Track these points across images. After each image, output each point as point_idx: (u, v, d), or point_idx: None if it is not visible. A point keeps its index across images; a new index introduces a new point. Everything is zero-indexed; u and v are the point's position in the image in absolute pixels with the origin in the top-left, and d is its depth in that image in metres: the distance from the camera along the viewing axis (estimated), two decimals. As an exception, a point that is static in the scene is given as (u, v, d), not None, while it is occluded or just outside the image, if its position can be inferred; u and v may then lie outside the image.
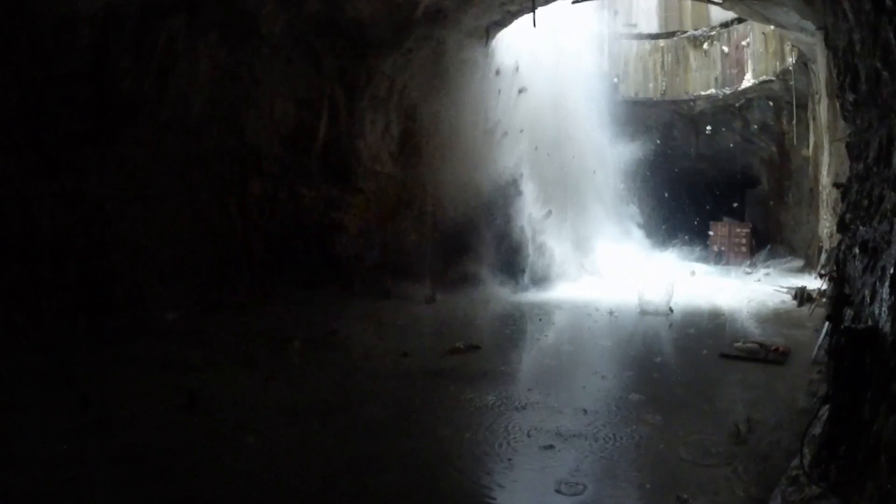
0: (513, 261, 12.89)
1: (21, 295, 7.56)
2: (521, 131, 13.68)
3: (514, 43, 13.18)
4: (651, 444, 4.72)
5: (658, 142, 19.41)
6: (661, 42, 18.97)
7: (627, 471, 4.33)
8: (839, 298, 4.74)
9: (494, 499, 3.96)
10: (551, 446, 4.68)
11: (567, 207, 14.73)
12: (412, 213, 12.63)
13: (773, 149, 18.23)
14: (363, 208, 11.92)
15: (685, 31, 18.73)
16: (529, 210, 13.51)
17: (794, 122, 15.74)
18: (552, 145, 14.51)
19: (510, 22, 12.42)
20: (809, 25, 10.16)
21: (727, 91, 17.68)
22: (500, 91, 13.25)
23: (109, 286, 8.37)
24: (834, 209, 10.07)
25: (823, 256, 11.57)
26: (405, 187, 12.72)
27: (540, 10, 11.78)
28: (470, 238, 12.56)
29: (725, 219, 19.79)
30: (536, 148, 14.11)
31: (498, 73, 13.06)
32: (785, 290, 11.91)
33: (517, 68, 13.31)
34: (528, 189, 13.62)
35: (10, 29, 7.11)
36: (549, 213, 13.88)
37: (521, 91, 13.67)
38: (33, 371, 6.32)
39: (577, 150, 15.20)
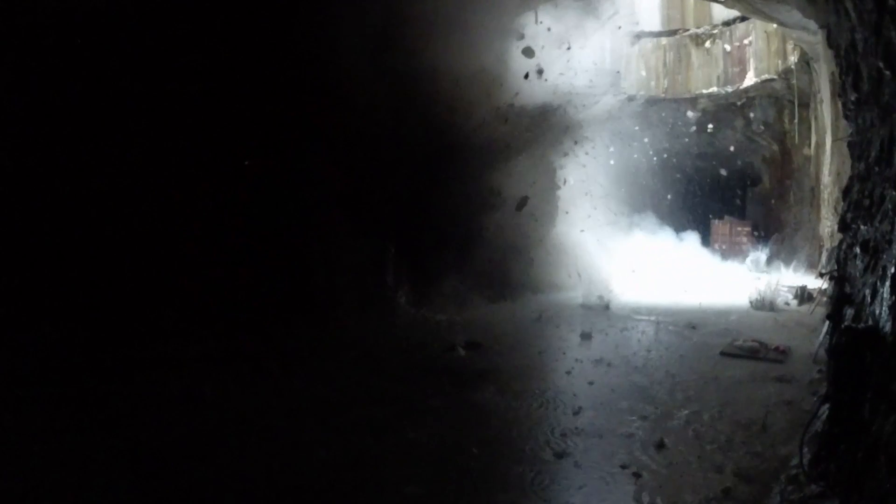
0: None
1: (21, 294, 7.57)
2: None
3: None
4: (646, 442, 4.74)
5: (659, 140, 19.39)
6: (663, 40, 18.95)
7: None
8: (840, 298, 4.74)
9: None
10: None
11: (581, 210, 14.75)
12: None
13: (775, 147, 18.23)
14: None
15: (687, 30, 18.71)
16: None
17: (796, 120, 15.75)
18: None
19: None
20: (812, 24, 10.15)
21: (729, 89, 17.67)
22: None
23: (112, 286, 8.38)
24: (835, 208, 10.07)
25: (824, 255, 11.56)
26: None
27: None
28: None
29: (727, 217, 19.82)
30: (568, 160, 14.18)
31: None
32: (786, 288, 11.91)
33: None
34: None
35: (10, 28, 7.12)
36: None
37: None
38: (34, 370, 6.34)
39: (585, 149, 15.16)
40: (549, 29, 12.90)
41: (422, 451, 4.60)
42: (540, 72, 12.41)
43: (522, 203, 12.50)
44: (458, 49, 11.00)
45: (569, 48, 13.09)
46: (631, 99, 18.36)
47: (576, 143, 14.50)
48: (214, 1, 8.43)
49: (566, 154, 14.26)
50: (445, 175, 11.38)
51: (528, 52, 12.15)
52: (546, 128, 13.51)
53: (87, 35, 7.74)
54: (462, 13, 10.61)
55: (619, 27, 16.79)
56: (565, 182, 14.60)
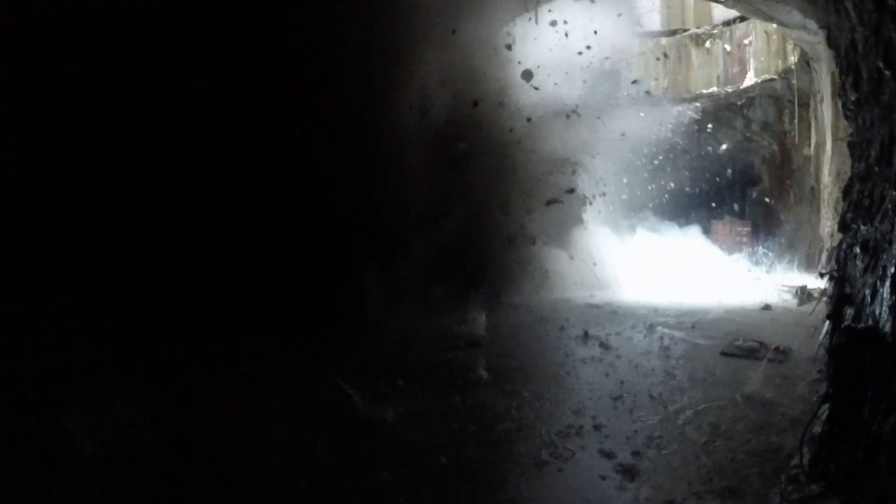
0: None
1: (22, 293, 7.58)
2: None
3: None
4: (645, 442, 4.74)
5: (658, 139, 19.36)
6: (664, 40, 18.97)
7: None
8: (840, 298, 4.74)
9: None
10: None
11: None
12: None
13: (775, 147, 18.23)
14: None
15: (687, 29, 18.73)
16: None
17: (796, 120, 15.78)
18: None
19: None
20: (812, 24, 10.14)
21: (729, 89, 17.69)
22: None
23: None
24: (835, 208, 10.07)
25: (824, 255, 11.57)
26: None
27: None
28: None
29: (727, 217, 19.80)
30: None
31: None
32: (786, 288, 11.92)
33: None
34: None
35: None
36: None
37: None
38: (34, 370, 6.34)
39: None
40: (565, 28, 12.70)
41: (421, 452, 4.60)
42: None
43: (552, 201, 12.56)
44: (455, 50, 10.99)
45: (595, 33, 12.95)
46: (630, 99, 18.30)
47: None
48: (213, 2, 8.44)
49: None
50: (447, 177, 11.37)
51: (527, 75, 12.06)
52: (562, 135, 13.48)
53: (86, 35, 7.75)
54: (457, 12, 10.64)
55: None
56: (596, 199, 14.54)
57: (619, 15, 13.96)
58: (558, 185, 13.46)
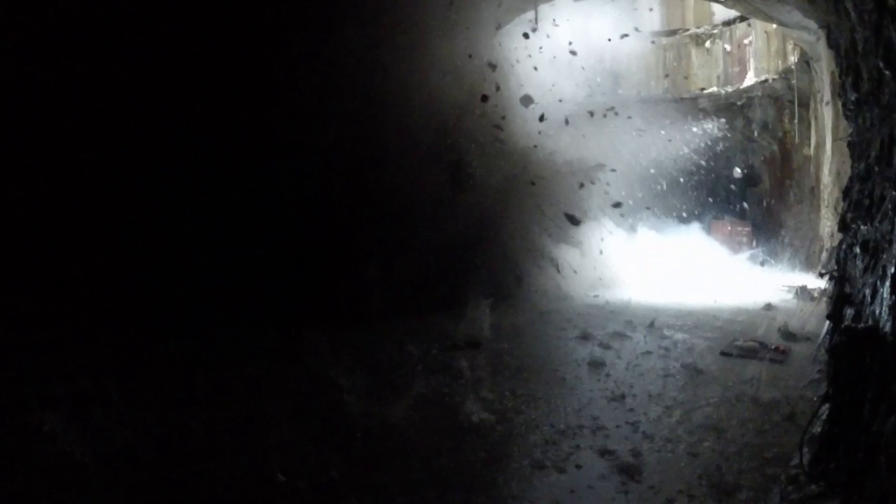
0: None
1: (21, 293, 7.58)
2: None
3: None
4: (644, 443, 4.74)
5: (658, 140, 19.36)
6: (664, 40, 18.97)
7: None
8: (840, 298, 4.75)
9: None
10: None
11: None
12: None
13: (775, 147, 18.24)
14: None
15: (687, 29, 18.73)
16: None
17: (796, 120, 15.78)
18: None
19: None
20: (812, 24, 10.15)
21: (729, 89, 17.69)
22: None
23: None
24: (835, 208, 10.08)
25: (824, 255, 11.57)
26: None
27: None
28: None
29: (726, 217, 19.80)
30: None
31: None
32: (786, 288, 11.93)
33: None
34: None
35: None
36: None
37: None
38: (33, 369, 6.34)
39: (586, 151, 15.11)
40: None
41: (421, 452, 4.60)
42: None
43: (576, 220, 12.59)
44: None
45: (609, 40, 12.98)
46: (630, 99, 18.27)
47: None
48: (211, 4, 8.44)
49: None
50: (449, 177, 11.37)
51: (527, 101, 12.00)
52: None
53: (86, 35, 7.75)
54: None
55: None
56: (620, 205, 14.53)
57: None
58: (570, 188, 13.47)
